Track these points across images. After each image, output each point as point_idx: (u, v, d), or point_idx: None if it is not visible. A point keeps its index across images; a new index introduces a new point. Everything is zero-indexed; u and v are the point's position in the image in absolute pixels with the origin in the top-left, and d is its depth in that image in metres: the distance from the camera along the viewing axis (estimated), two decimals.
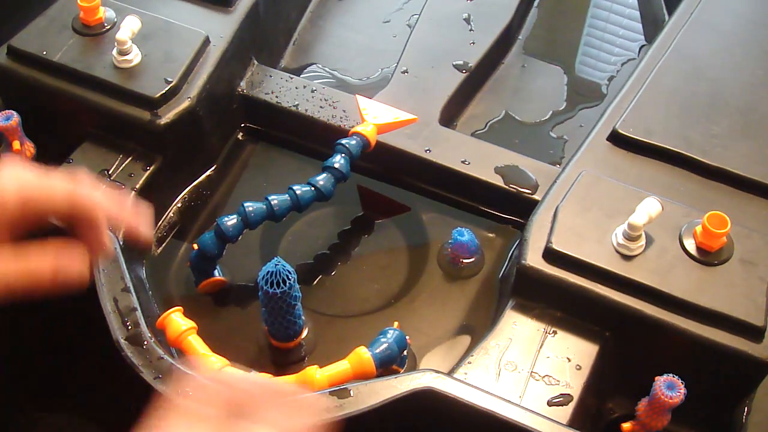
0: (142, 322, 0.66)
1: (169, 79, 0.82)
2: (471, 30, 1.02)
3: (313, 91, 0.93)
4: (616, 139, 0.82)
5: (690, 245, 0.70)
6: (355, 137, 0.83)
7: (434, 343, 0.78)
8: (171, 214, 0.87)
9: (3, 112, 0.81)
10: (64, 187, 0.46)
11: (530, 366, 0.68)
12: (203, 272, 0.80)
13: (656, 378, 0.63)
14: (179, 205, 0.88)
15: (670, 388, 0.62)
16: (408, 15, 1.11)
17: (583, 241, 0.71)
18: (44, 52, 0.83)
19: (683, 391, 0.62)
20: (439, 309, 0.80)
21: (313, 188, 0.79)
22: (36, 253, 0.45)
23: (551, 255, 0.70)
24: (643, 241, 0.70)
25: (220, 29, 0.89)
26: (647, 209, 0.68)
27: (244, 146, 0.95)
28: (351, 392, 0.61)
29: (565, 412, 0.66)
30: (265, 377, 0.66)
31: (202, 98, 0.84)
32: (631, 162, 0.80)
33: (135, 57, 0.82)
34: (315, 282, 0.83)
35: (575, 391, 0.67)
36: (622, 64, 1.08)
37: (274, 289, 0.69)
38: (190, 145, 0.86)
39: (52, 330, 0.79)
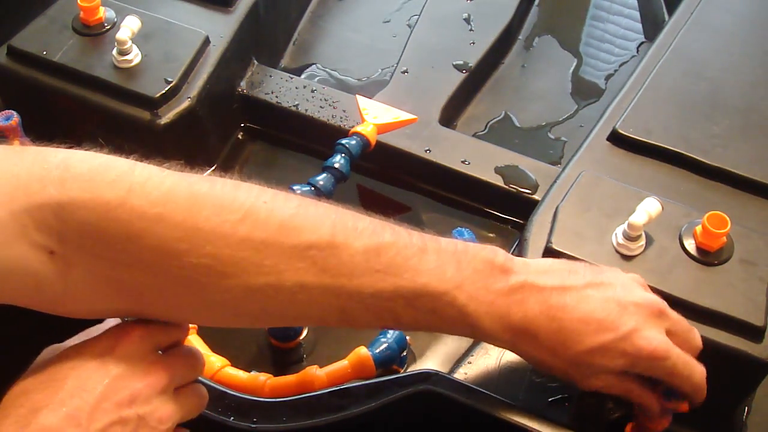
0: None
1: (169, 79, 0.82)
2: (471, 30, 1.02)
3: (313, 91, 0.93)
4: (616, 139, 0.82)
5: (690, 245, 0.70)
6: (355, 137, 0.83)
7: (434, 343, 0.78)
8: None
9: (3, 112, 0.80)
10: None
11: (530, 366, 0.68)
12: None
13: None
14: None
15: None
16: (408, 15, 1.11)
17: (583, 241, 0.70)
18: (44, 52, 0.83)
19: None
20: None
21: (313, 188, 0.79)
22: None
23: (551, 255, 0.70)
24: (643, 241, 0.70)
25: (220, 29, 0.89)
26: (647, 209, 0.68)
27: (244, 146, 0.95)
28: (351, 392, 0.61)
29: (565, 412, 0.65)
30: None
31: (202, 98, 0.84)
32: (631, 162, 0.80)
33: (135, 57, 0.82)
34: None
35: (575, 390, 0.67)
36: (621, 65, 1.08)
37: None
38: (190, 145, 0.86)
39: (52, 330, 0.78)
